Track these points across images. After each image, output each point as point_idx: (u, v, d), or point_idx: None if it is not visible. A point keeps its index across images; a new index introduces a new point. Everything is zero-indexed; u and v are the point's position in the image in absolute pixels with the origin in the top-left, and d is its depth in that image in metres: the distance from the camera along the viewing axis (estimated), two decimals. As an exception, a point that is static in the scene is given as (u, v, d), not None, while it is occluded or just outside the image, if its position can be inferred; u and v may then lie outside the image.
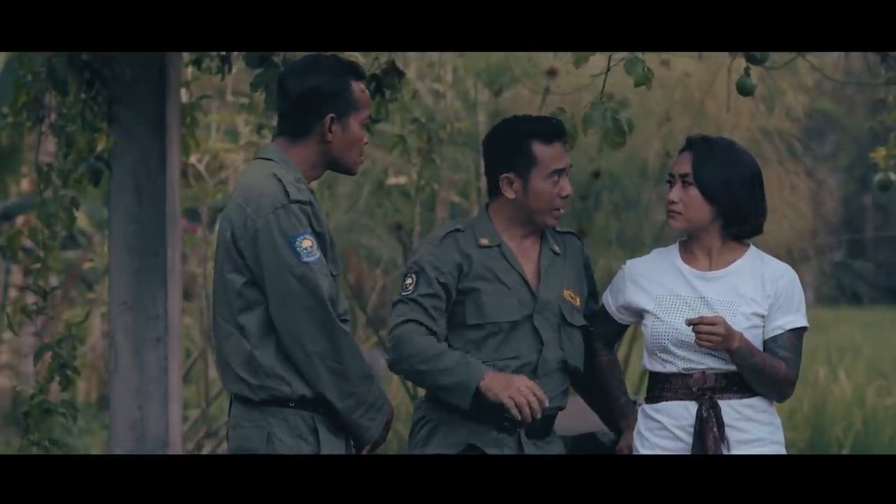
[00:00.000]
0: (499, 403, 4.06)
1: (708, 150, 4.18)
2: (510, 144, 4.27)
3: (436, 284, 4.19)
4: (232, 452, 3.92)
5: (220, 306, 3.91)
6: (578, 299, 4.34)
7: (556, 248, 4.34)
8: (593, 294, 4.46)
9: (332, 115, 3.91)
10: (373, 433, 3.93)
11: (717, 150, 4.19)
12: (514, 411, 4.04)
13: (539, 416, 4.06)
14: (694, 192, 4.16)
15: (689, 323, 4.04)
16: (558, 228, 4.42)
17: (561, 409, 4.32)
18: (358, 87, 3.96)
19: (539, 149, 4.23)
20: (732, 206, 4.16)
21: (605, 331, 4.38)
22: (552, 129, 4.27)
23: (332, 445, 3.88)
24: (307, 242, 3.80)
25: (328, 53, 4.07)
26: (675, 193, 4.18)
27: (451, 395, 4.13)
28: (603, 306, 4.37)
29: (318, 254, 3.81)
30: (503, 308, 4.22)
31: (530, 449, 4.22)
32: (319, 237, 3.85)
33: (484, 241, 4.27)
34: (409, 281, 4.21)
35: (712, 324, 4.01)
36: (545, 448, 4.26)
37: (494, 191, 4.32)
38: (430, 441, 4.26)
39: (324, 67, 3.95)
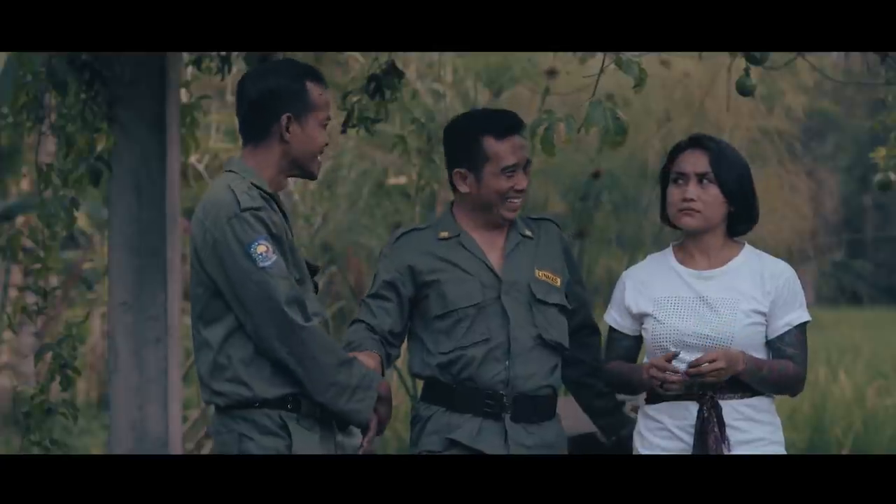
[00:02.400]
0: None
1: (720, 149, 4.19)
2: (463, 140, 4.30)
3: (381, 284, 4.29)
4: None
5: (193, 318, 3.99)
6: (558, 279, 4.34)
7: (528, 233, 4.37)
8: (579, 281, 4.46)
9: (288, 114, 3.96)
10: (364, 415, 3.96)
11: (727, 149, 4.22)
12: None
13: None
14: (714, 190, 4.16)
15: (690, 368, 4.02)
16: (534, 216, 4.48)
17: (551, 387, 4.31)
18: (315, 89, 4.01)
19: (491, 144, 4.25)
20: (745, 204, 4.19)
21: (620, 350, 4.30)
22: (505, 124, 4.29)
23: (303, 439, 3.90)
24: (262, 248, 3.85)
25: (282, 56, 4.13)
26: (693, 192, 4.17)
27: None
28: (610, 327, 4.33)
29: (274, 257, 3.85)
30: (464, 293, 4.25)
31: (518, 433, 4.23)
32: (276, 240, 3.90)
33: (443, 234, 4.32)
34: (372, 282, 4.37)
35: (711, 360, 4.01)
36: (537, 432, 4.27)
37: (452, 185, 4.36)
38: (420, 439, 4.30)
39: (279, 70, 4.03)
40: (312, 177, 4.11)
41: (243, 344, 3.88)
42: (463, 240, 4.31)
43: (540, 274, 4.31)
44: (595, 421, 4.51)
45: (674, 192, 4.19)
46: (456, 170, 4.31)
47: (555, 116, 4.25)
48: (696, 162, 4.18)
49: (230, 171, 4.01)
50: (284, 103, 3.96)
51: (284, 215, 4.02)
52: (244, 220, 3.85)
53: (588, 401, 4.48)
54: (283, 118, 3.96)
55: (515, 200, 4.28)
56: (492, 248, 4.32)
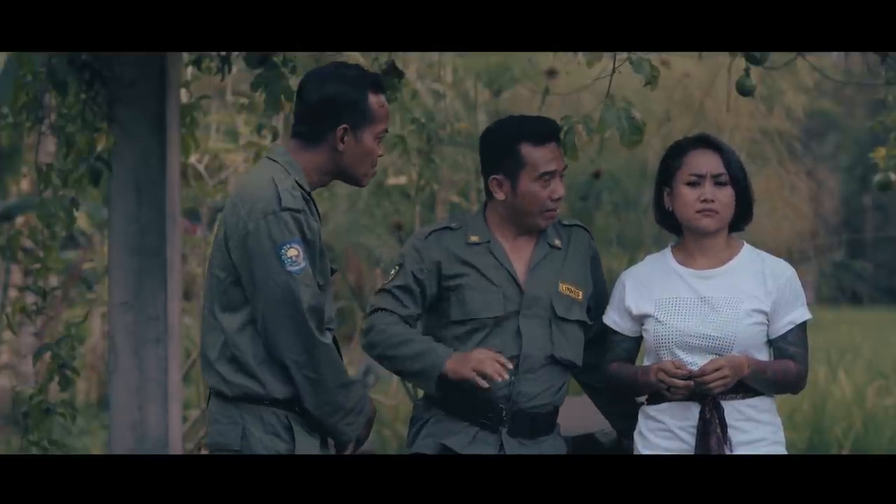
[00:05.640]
0: (465, 380, 4.10)
1: (729, 150, 4.21)
2: (500, 146, 4.26)
3: (410, 277, 4.25)
4: (209, 448, 3.95)
5: (208, 300, 3.95)
6: (581, 293, 4.32)
7: (556, 242, 4.34)
8: (602, 290, 4.41)
9: (345, 125, 3.90)
10: (349, 437, 3.96)
11: (731, 149, 4.22)
12: (481, 381, 4.06)
13: (508, 377, 4.08)
14: (729, 191, 4.16)
15: (696, 378, 4.02)
16: (565, 221, 4.43)
17: (554, 405, 4.30)
18: (376, 100, 3.95)
19: (528, 151, 4.22)
20: (747, 203, 4.21)
21: (620, 351, 4.30)
22: (543, 131, 4.25)
23: (307, 443, 3.90)
24: (293, 252, 3.81)
25: (352, 62, 4.07)
26: (711, 193, 4.17)
27: (418, 381, 4.25)
28: (609, 327, 4.32)
29: (303, 263, 3.82)
30: (485, 304, 4.23)
31: (513, 447, 4.21)
32: (309, 245, 3.86)
33: (473, 239, 4.29)
34: (392, 272, 4.31)
35: (716, 368, 4.02)
36: (533, 447, 4.24)
37: (488, 192, 4.33)
38: (415, 441, 4.31)
39: (343, 77, 3.94)
40: (360, 184, 4.05)
41: (257, 338, 3.85)
42: (492, 247, 4.28)
43: (563, 287, 4.29)
44: (614, 424, 4.50)
45: (689, 194, 4.17)
46: (492, 177, 4.27)
47: (573, 120, 4.25)
48: (711, 163, 4.17)
49: (273, 160, 3.94)
50: (342, 113, 3.90)
51: (318, 216, 3.97)
52: (281, 220, 3.80)
53: (606, 405, 4.47)
54: (339, 129, 3.90)
55: (553, 210, 4.26)
56: (519, 257, 4.30)
